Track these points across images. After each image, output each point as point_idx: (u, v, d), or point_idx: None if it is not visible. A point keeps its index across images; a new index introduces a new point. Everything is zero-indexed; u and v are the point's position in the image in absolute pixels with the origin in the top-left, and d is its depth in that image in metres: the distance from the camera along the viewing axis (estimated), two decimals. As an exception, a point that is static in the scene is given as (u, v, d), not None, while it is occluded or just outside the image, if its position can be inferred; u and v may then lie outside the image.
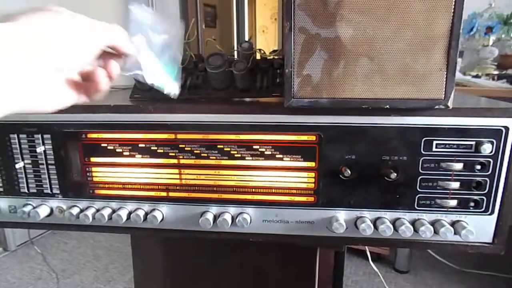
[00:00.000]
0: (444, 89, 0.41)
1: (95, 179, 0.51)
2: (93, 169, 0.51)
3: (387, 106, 0.42)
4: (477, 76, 1.79)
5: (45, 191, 0.52)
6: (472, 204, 0.46)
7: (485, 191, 0.45)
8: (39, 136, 0.50)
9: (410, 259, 1.74)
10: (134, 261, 0.68)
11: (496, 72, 1.84)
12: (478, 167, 0.44)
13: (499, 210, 0.46)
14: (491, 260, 1.73)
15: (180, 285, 0.66)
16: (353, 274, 1.72)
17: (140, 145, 0.49)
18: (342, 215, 0.47)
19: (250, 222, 0.48)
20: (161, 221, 0.50)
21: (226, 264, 0.62)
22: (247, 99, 0.52)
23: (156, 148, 0.49)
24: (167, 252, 0.67)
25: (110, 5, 2.44)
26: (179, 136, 0.48)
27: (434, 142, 0.44)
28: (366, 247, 0.91)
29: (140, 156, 0.49)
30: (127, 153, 0.49)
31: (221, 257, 0.63)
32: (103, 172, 0.51)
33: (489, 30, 1.86)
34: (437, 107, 0.41)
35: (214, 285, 0.65)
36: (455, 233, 0.45)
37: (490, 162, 0.44)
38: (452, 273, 1.71)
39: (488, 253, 0.48)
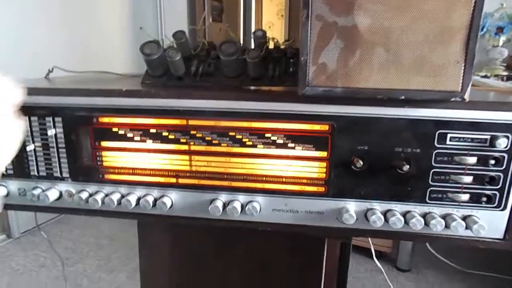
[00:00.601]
0: (461, 82, 0.40)
1: (105, 163, 0.51)
2: (104, 153, 0.51)
3: (403, 97, 0.41)
4: (485, 77, 1.77)
5: (55, 174, 0.52)
6: (484, 199, 0.45)
7: (498, 186, 0.45)
8: (51, 119, 0.50)
9: (412, 257, 1.74)
10: (140, 250, 0.68)
11: (505, 73, 1.82)
12: (492, 161, 0.44)
13: (512, 206, 0.45)
14: (493, 261, 1.72)
15: (186, 274, 0.67)
16: (355, 271, 1.72)
17: (151, 131, 0.49)
18: (352, 206, 0.47)
19: (260, 211, 0.48)
20: (170, 207, 0.50)
21: (233, 253, 0.62)
22: (259, 87, 0.52)
23: (167, 134, 0.49)
24: (174, 241, 0.67)
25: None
26: (191, 122, 0.48)
27: (448, 135, 0.44)
28: (371, 243, 0.91)
29: (151, 141, 0.49)
30: (138, 138, 0.49)
31: (227, 246, 0.63)
32: (113, 157, 0.51)
33: (500, 30, 1.84)
34: (453, 99, 0.41)
35: (221, 274, 0.65)
36: (466, 228, 0.45)
37: (504, 157, 0.43)
38: (454, 273, 1.70)
39: (499, 249, 0.47)
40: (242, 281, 0.63)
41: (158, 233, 0.66)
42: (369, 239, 0.87)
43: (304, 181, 0.47)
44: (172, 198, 0.51)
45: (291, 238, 0.58)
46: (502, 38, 1.86)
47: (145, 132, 0.49)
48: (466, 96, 0.40)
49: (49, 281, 1.61)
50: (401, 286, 1.63)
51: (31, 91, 0.50)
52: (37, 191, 0.52)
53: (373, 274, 1.68)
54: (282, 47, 0.55)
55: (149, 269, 0.68)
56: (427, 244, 1.55)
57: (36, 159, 0.52)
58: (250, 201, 0.48)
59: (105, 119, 0.49)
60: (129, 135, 0.49)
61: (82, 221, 2.14)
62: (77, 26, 2.18)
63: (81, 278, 1.64)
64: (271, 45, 0.56)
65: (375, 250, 1.83)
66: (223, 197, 0.49)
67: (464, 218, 0.46)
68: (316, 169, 0.47)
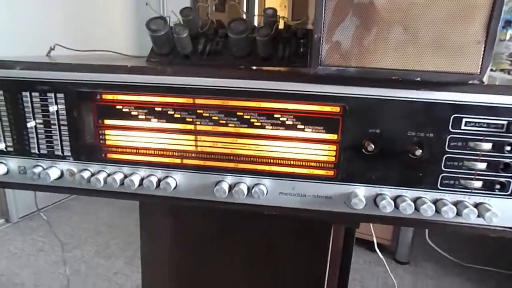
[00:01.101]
0: (480, 64, 0.39)
1: (108, 142, 0.50)
2: (107, 132, 0.49)
3: (418, 79, 0.40)
4: (491, 71, 1.76)
5: (56, 152, 0.51)
6: (498, 186, 0.44)
7: (513, 174, 0.43)
8: (52, 95, 0.48)
9: (411, 250, 1.74)
10: (142, 233, 0.67)
11: (511, 68, 1.80)
12: (508, 148, 0.43)
13: (525, 194, 0.44)
14: (491, 256, 1.73)
15: (188, 258, 0.66)
16: (354, 262, 1.71)
17: (156, 109, 0.47)
18: (361, 191, 0.46)
19: (266, 194, 0.47)
20: (174, 188, 0.49)
21: (236, 238, 0.61)
22: (268, 68, 0.50)
23: (173, 112, 0.47)
24: (175, 224, 0.66)
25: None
26: (198, 101, 0.46)
27: (464, 120, 0.42)
28: (374, 234, 0.90)
29: (156, 120, 0.48)
30: (143, 117, 0.48)
31: (230, 230, 0.62)
32: (117, 136, 0.49)
33: (508, 24, 1.82)
34: (471, 82, 0.39)
35: (223, 258, 0.64)
36: (478, 216, 0.44)
37: (520, 143, 0.42)
38: (453, 266, 1.71)
39: (510, 238, 0.46)
40: (245, 266, 0.62)
41: (160, 216, 0.65)
42: (372, 230, 0.86)
43: (313, 164, 0.46)
44: (176, 179, 0.49)
45: (297, 223, 0.57)
46: (510, 32, 1.83)
47: (150, 111, 0.47)
48: (485, 79, 0.39)
49: (47, 265, 1.60)
50: (400, 278, 1.63)
51: (32, 66, 0.49)
52: (37, 170, 0.51)
53: (372, 266, 1.68)
54: (292, 27, 0.54)
55: (150, 253, 0.67)
56: (427, 237, 1.55)
57: (37, 136, 0.51)
58: (257, 184, 0.47)
59: (109, 96, 0.48)
60: (134, 113, 0.48)
61: (81, 208, 2.13)
62: (76, 4, 2.14)
63: (79, 264, 1.63)
64: (281, 26, 0.54)
65: (373, 243, 1.83)
66: (229, 179, 0.48)
67: (476, 205, 0.45)
68: (325, 152, 0.45)
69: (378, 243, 1.80)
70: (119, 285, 1.52)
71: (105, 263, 1.65)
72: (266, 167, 0.47)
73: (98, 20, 2.28)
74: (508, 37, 1.88)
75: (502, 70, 1.76)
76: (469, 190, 0.45)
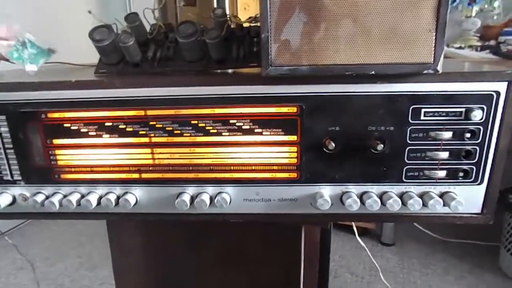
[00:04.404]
0: (433, 52, 0.38)
1: (60, 162, 0.47)
2: (57, 151, 0.47)
3: (373, 72, 0.39)
4: (460, 48, 1.77)
5: (5, 177, 0.48)
6: (461, 174, 0.44)
7: (475, 160, 0.43)
8: (-6, 117, 0.45)
9: (395, 232, 1.77)
10: (112, 250, 0.65)
11: (479, 44, 1.82)
12: (468, 135, 0.42)
13: (489, 179, 0.44)
14: (472, 229, 1.77)
15: (162, 271, 0.64)
16: (340, 249, 1.73)
17: (106, 124, 0.45)
18: (327, 191, 0.45)
19: (230, 202, 0.45)
20: (134, 204, 0.47)
21: (208, 246, 0.60)
22: (222, 71, 0.48)
23: (124, 126, 0.45)
24: (146, 238, 0.63)
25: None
26: (149, 112, 0.44)
27: (423, 110, 0.42)
28: (353, 222, 0.90)
29: (108, 135, 0.45)
30: (93, 133, 0.45)
31: (202, 238, 0.60)
32: (69, 155, 0.47)
33: (473, 0, 1.83)
34: (425, 71, 0.38)
35: (197, 268, 0.62)
36: (444, 205, 0.43)
37: (480, 129, 0.42)
38: (436, 243, 1.74)
39: (476, 224, 0.46)
40: (219, 275, 0.60)
41: (129, 231, 0.63)
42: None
43: (275, 167, 0.45)
44: (136, 194, 0.47)
45: (267, 227, 0.55)
46: (475, 8, 1.85)
47: (100, 126, 0.45)
48: (439, 68, 0.38)
49: (29, 283, 1.56)
50: (386, 260, 1.66)
51: (-32, 88, 0.45)
52: (-13, 197, 0.48)
53: (358, 251, 1.69)
54: (245, 25, 0.52)
55: (123, 269, 0.65)
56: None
57: (-18, 162, 0.48)
58: (219, 193, 0.46)
59: (55, 115, 0.45)
60: (83, 130, 0.45)
61: (60, 220, 2.07)
62: (31, 12, 2.04)
63: (62, 278, 1.59)
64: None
65: (359, 227, 1.85)
66: (190, 190, 0.46)
67: (442, 195, 0.44)
68: (286, 154, 0.44)
69: (363, 228, 1.83)
70: (106, 295, 1.49)
71: (89, 274, 1.62)
72: (227, 175, 0.45)
73: (56, 24, 2.19)
74: (474, 13, 1.90)
75: (470, 47, 1.78)
76: (434, 180, 0.44)
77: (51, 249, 1.80)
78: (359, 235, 0.92)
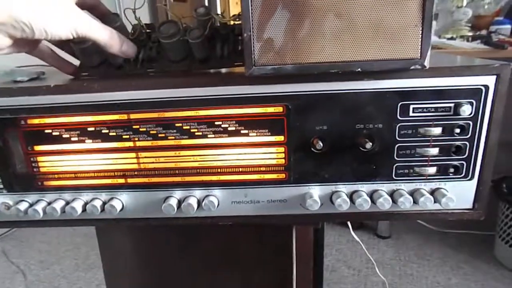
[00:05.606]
0: (420, 47, 0.37)
1: (42, 169, 0.46)
2: (39, 158, 0.45)
3: (359, 69, 0.38)
4: (452, 39, 1.77)
5: (-13, 186, 0.47)
6: (451, 170, 0.43)
7: (465, 156, 0.42)
8: (-29, 125, 0.44)
9: (391, 224, 1.77)
10: (102, 254, 0.64)
11: (470, 34, 1.82)
12: (457, 130, 0.41)
13: (479, 174, 0.43)
14: (468, 219, 1.77)
15: (153, 274, 0.63)
16: (337, 243, 1.74)
17: (89, 129, 0.44)
18: (316, 191, 0.44)
19: (218, 205, 0.45)
20: (120, 210, 0.46)
21: (199, 249, 0.59)
22: (206, 71, 0.47)
23: (107, 131, 0.43)
24: (136, 241, 0.63)
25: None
26: (132, 116, 0.43)
27: (411, 107, 0.41)
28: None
29: (91, 141, 0.44)
30: (76, 139, 0.44)
31: (193, 241, 0.59)
32: (51, 162, 0.45)
33: (463, -11, 1.83)
34: (413, 67, 0.37)
35: (188, 271, 0.61)
36: (435, 202, 0.43)
37: (469, 124, 0.41)
38: (432, 234, 1.75)
39: (468, 219, 0.46)
40: (212, 277, 0.60)
41: (119, 235, 0.62)
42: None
43: (263, 169, 0.44)
44: (122, 200, 0.46)
45: (258, 228, 0.54)
46: (466, -2, 1.85)
47: (82, 132, 0.44)
48: (426, 63, 0.37)
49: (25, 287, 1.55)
50: (382, 253, 1.66)
51: None
52: (-31, 207, 0.46)
53: (354, 245, 1.70)
54: (229, 23, 0.50)
55: (114, 273, 0.64)
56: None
57: (-37, 171, 0.46)
58: (207, 196, 0.45)
59: (35, 121, 0.44)
60: (65, 136, 0.44)
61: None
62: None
63: (58, 280, 1.58)
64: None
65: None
66: (177, 194, 0.45)
67: (433, 192, 0.44)
68: (274, 155, 0.43)
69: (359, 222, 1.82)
70: (103, 297, 1.49)
71: (86, 276, 1.61)
72: (215, 177, 0.44)
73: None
74: (465, 3, 1.89)
75: (462, 37, 1.77)
76: (424, 177, 0.43)
77: (47, 252, 1.79)
78: (355, 229, 0.92)
